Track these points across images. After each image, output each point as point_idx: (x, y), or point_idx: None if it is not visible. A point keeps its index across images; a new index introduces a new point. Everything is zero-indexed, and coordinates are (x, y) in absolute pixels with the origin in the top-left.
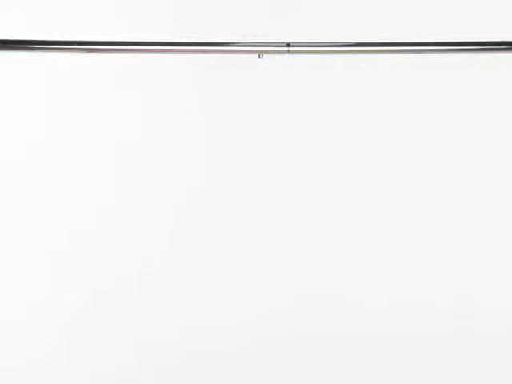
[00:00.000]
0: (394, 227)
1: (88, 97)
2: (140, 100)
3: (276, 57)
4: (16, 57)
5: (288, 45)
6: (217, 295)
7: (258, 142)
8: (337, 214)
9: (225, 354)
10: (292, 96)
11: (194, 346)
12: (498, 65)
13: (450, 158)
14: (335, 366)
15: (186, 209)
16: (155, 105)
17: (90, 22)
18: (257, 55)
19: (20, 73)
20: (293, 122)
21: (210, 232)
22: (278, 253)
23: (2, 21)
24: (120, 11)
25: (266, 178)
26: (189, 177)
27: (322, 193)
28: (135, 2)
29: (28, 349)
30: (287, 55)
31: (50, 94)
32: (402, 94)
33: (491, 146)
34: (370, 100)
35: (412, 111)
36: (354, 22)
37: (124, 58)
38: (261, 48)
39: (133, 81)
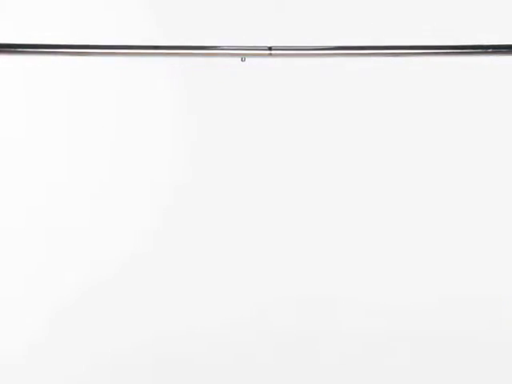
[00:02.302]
0: (389, 227)
1: (76, 99)
2: (125, 102)
3: (258, 60)
4: (3, 60)
5: (270, 48)
6: (213, 293)
7: (241, 142)
8: (328, 212)
9: (217, 351)
10: (274, 98)
11: (181, 343)
12: (485, 67)
13: (440, 159)
14: (329, 366)
15: (172, 211)
16: (139, 107)
17: (76, 26)
18: (239, 58)
19: (8, 75)
20: (274, 123)
21: (200, 232)
22: (271, 253)
23: None
24: (105, 15)
25: (252, 178)
26: (174, 178)
27: (310, 192)
28: (120, 6)
29: (22, 343)
30: (269, 58)
31: (44, 96)
32: (384, 96)
33: (483, 145)
34: (352, 102)
35: (396, 113)
36: (335, 26)
37: (109, 61)
38: (243, 51)
39: (118, 83)
